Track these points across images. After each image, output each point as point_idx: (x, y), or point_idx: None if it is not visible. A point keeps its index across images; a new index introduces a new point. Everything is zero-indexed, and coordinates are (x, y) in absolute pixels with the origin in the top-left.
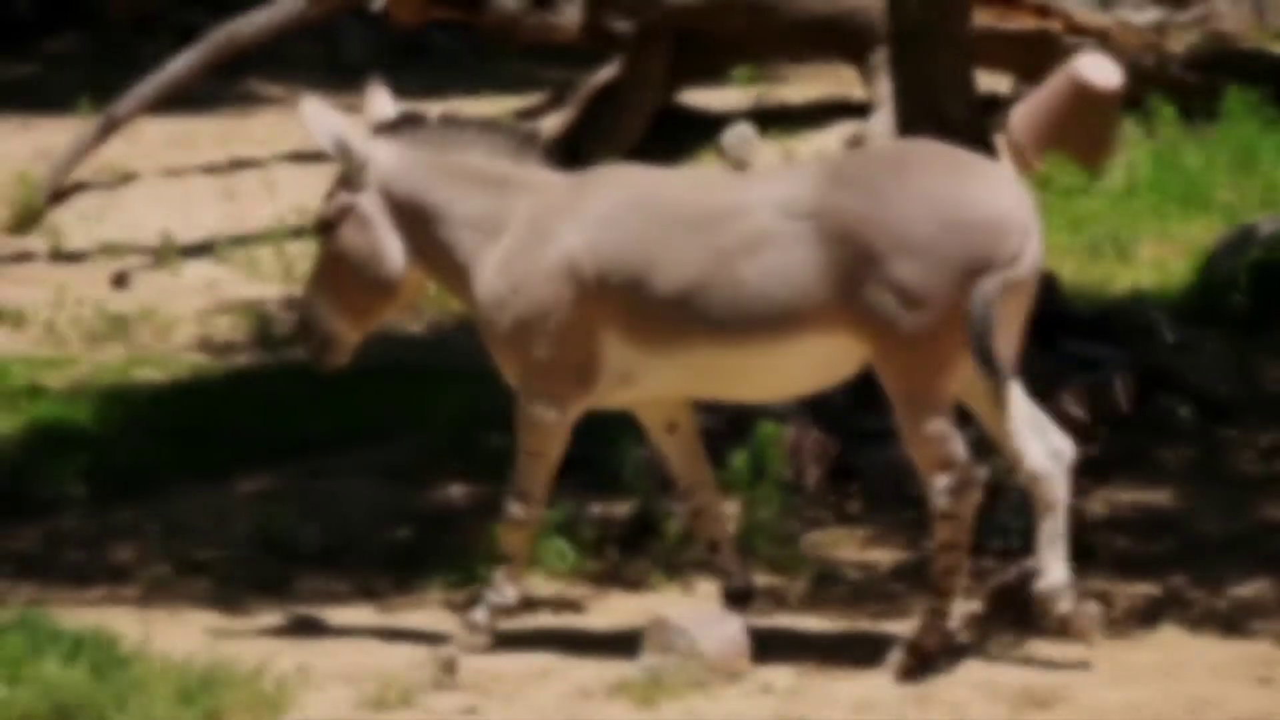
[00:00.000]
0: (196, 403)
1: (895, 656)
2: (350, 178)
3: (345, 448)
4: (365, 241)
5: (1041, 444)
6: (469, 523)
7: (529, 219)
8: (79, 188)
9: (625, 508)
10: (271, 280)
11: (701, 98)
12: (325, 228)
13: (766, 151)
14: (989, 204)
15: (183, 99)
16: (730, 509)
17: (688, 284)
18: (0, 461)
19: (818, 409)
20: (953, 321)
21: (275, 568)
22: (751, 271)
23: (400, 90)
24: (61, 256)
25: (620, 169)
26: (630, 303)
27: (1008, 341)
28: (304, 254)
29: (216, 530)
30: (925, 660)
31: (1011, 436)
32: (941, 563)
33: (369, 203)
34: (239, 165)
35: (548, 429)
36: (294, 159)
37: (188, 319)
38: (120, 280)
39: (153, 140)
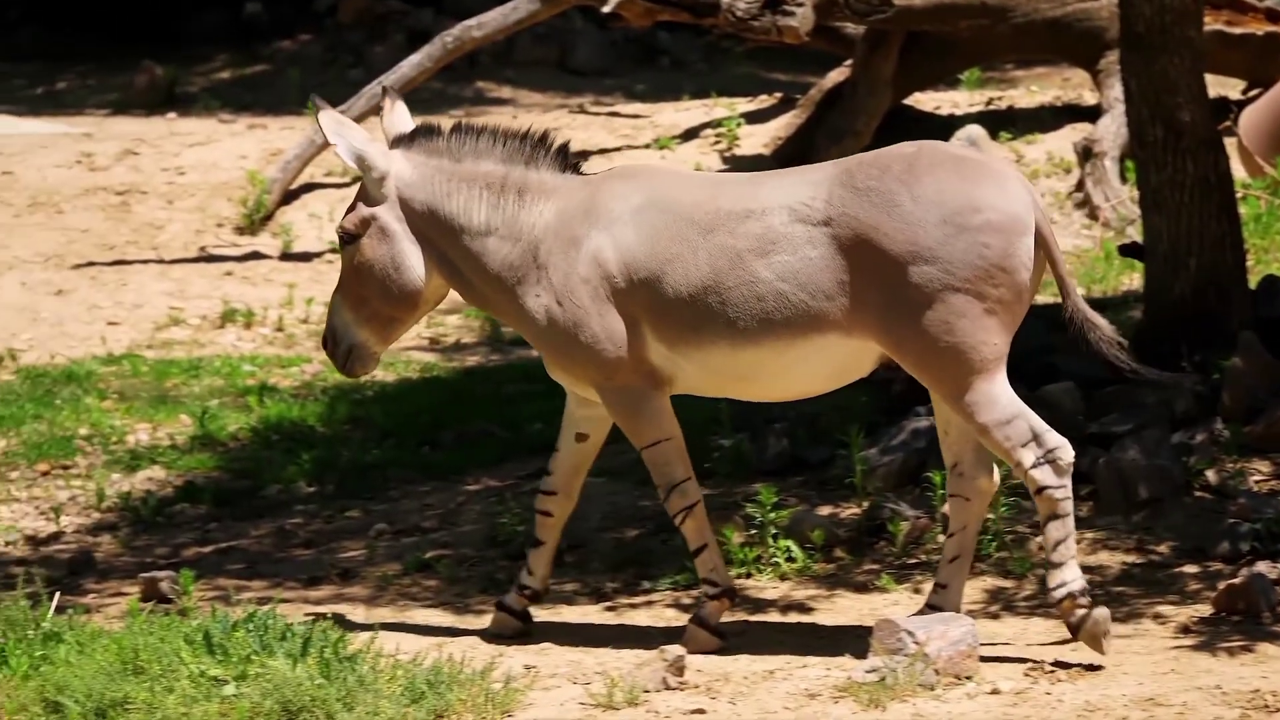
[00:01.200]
0: (425, 403)
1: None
2: (370, 190)
3: None
4: (386, 252)
5: (973, 468)
6: None
7: (555, 226)
8: (309, 188)
9: (853, 510)
10: None
11: (931, 100)
12: (347, 239)
13: (996, 154)
14: (999, 206)
15: (413, 100)
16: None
17: (703, 284)
18: (231, 460)
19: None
20: (981, 320)
21: (505, 567)
22: (766, 273)
23: (629, 93)
24: (291, 256)
25: (632, 170)
26: (653, 301)
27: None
28: None
29: (445, 529)
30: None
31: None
32: (1052, 537)
33: (389, 214)
34: None
35: (649, 417)
36: None
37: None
38: None
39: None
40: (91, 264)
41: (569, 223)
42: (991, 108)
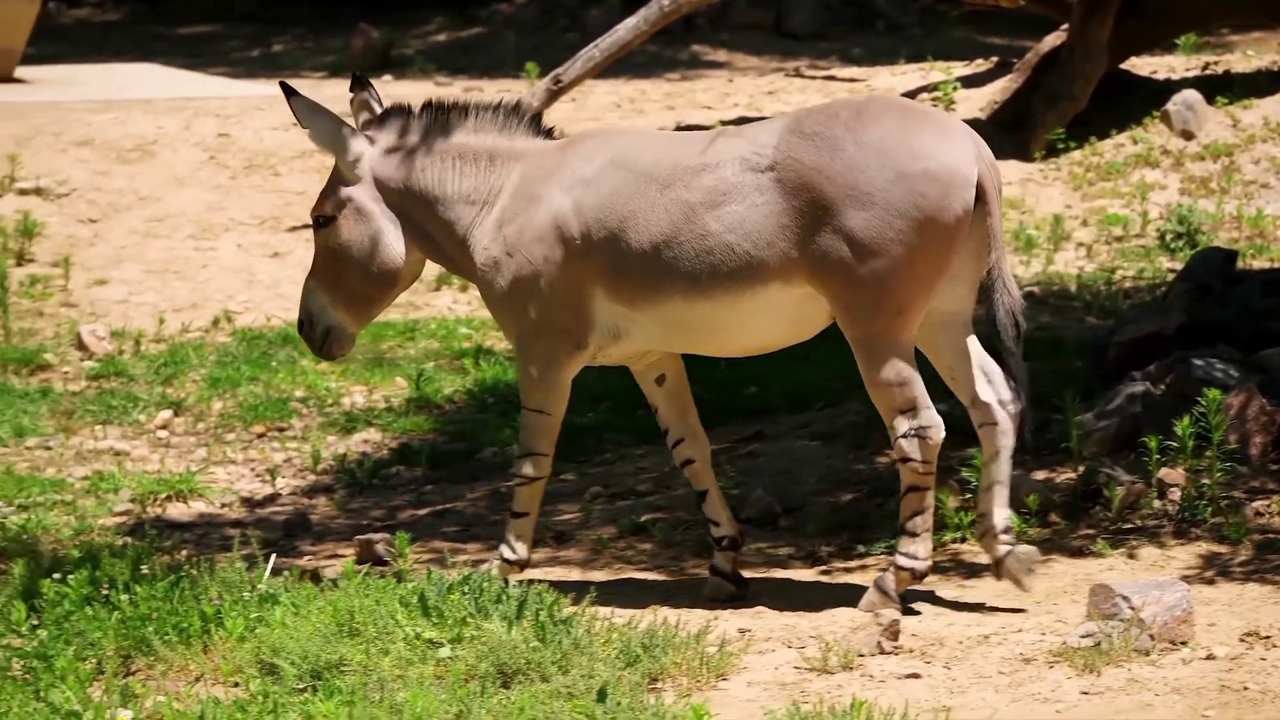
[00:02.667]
0: None
1: (866, 597)
2: (345, 172)
3: (793, 413)
4: (364, 232)
5: (991, 394)
6: None
7: (517, 184)
8: None
9: (1068, 474)
10: None
11: (1147, 65)
12: (323, 222)
13: (1213, 119)
14: (938, 157)
15: (628, 63)
16: (1176, 476)
17: (660, 239)
18: (446, 423)
19: (1266, 378)
20: (906, 268)
21: None
22: (716, 225)
23: (844, 56)
24: None
25: (603, 131)
26: (611, 259)
27: (963, 293)
28: None
29: (659, 493)
30: (889, 600)
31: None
32: (907, 508)
33: (364, 194)
34: (685, 129)
35: (548, 388)
36: (739, 123)
37: None
38: None
39: (600, 103)
40: (307, 226)
41: (532, 182)
42: (1208, 72)
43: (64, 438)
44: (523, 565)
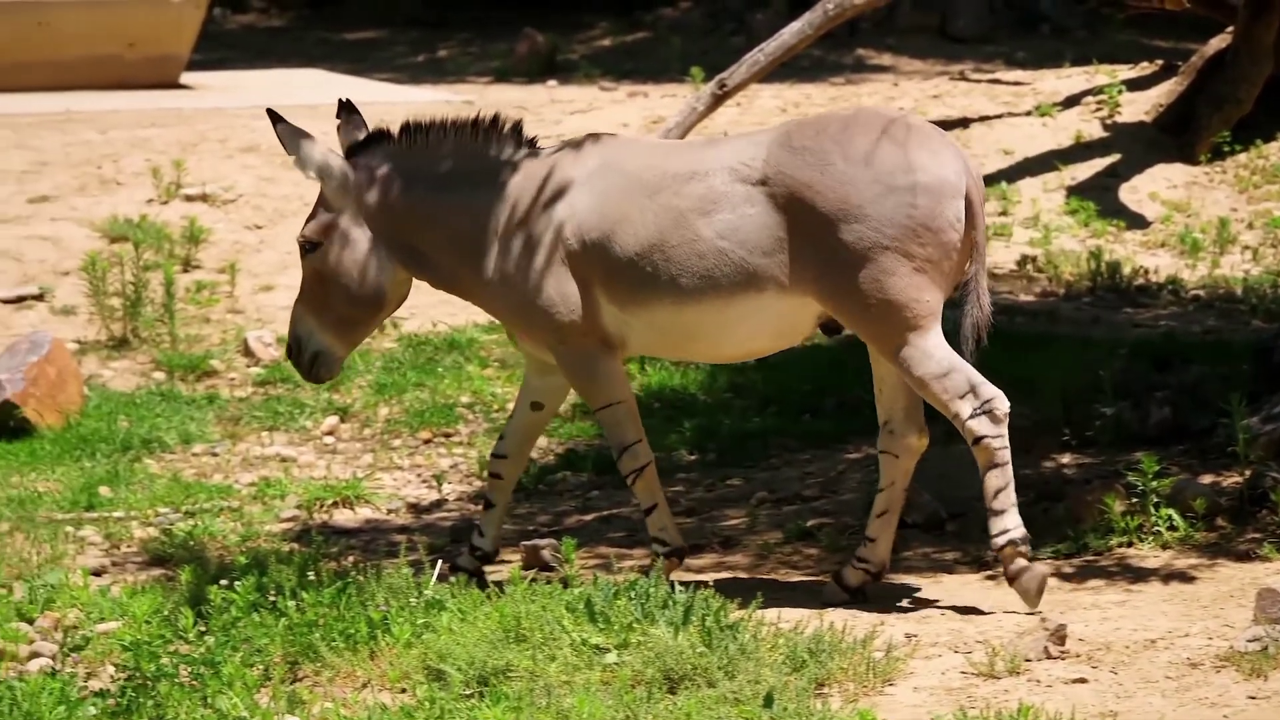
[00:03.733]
0: (806, 371)
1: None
2: (331, 198)
3: None
4: (350, 256)
5: (909, 425)
6: (1079, 492)
7: (511, 195)
8: None
9: (1235, 478)
10: None
11: None
12: (310, 248)
13: None
14: (928, 169)
15: (793, 67)
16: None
17: (649, 244)
18: None
19: None
20: (908, 279)
21: None
22: (707, 231)
23: (1009, 60)
24: None
25: (596, 138)
26: (604, 262)
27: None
28: None
29: (825, 497)
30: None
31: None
32: (991, 486)
33: (350, 220)
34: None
35: (603, 380)
36: None
37: None
38: None
39: (765, 108)
40: None
41: (527, 193)
42: None
43: (230, 444)
44: (681, 553)
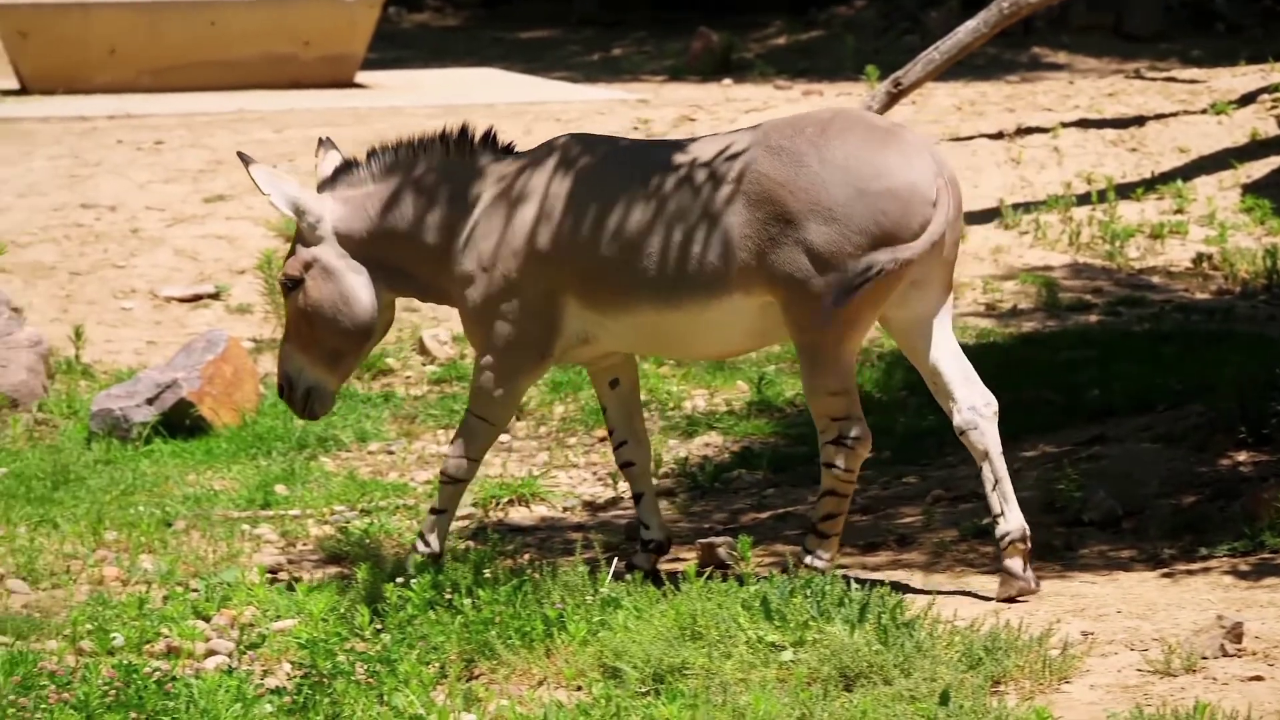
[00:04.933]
0: (982, 368)
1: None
2: (307, 235)
3: (1133, 414)
4: (333, 289)
5: (967, 397)
6: (1255, 489)
7: (486, 201)
8: None
9: None
10: (1058, 246)
11: None
12: (291, 285)
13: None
14: (902, 174)
15: (968, 65)
16: None
17: (630, 248)
18: (787, 426)
19: None
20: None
21: (1060, 533)
22: (683, 235)
23: (1184, 58)
24: None
25: (572, 139)
26: (583, 268)
27: (930, 299)
28: (1090, 220)
29: None
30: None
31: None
32: (822, 509)
33: (329, 253)
34: (1025, 131)
35: (501, 400)
36: (1080, 125)
37: (974, 284)
38: None
39: (940, 106)
40: None
41: (501, 197)
42: None
43: (406, 442)
44: (435, 559)
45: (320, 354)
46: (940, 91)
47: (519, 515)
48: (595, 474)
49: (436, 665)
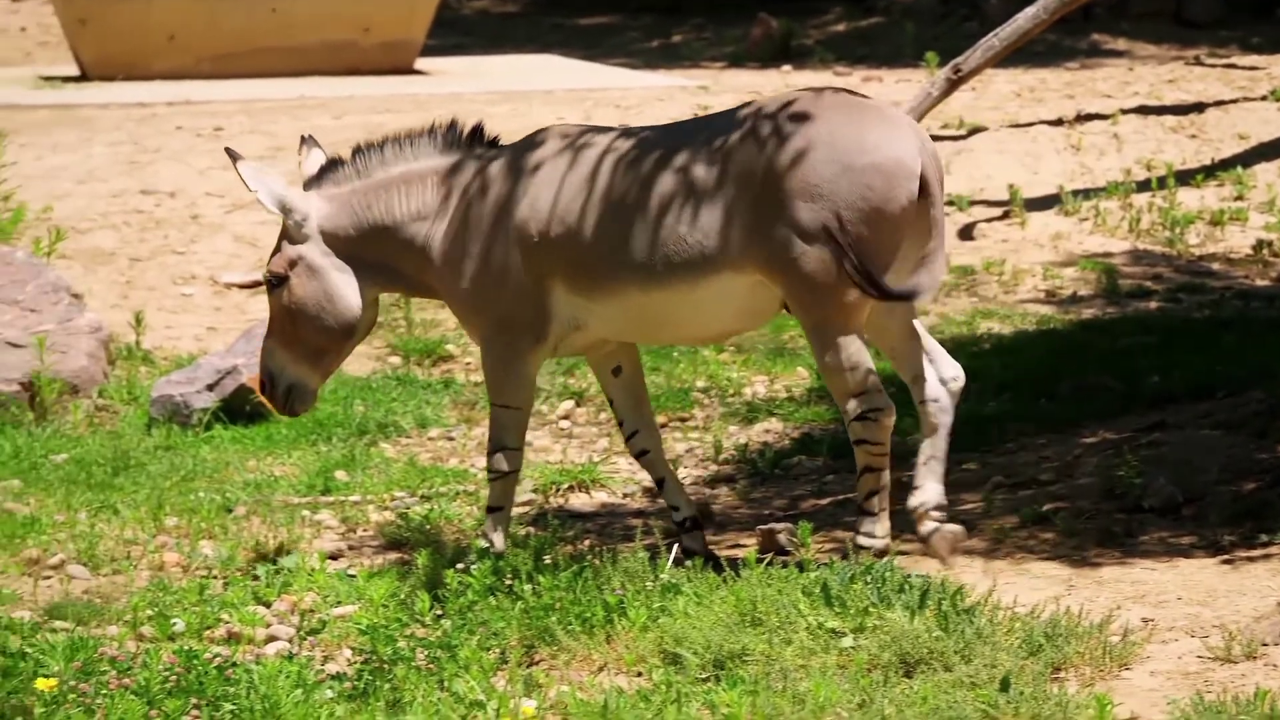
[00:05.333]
0: (1042, 355)
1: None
2: (293, 232)
3: (1193, 400)
4: (317, 287)
5: (935, 371)
6: None
7: (472, 190)
8: None
9: None
10: (1118, 233)
11: None
12: (276, 282)
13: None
14: (885, 150)
15: (1027, 52)
16: None
17: (615, 231)
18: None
19: None
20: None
21: (1121, 520)
22: (669, 217)
23: (1244, 45)
24: None
25: (554, 128)
26: (569, 253)
27: (906, 274)
28: (1150, 207)
29: (1061, 482)
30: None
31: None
32: (864, 488)
33: (314, 251)
34: (1085, 118)
35: (514, 383)
36: (1139, 112)
37: (1034, 271)
38: None
39: (1000, 92)
40: None
41: (487, 185)
42: None
43: (466, 428)
44: (500, 556)
45: (303, 351)
46: (1000, 78)
47: (579, 501)
48: None
49: (497, 651)
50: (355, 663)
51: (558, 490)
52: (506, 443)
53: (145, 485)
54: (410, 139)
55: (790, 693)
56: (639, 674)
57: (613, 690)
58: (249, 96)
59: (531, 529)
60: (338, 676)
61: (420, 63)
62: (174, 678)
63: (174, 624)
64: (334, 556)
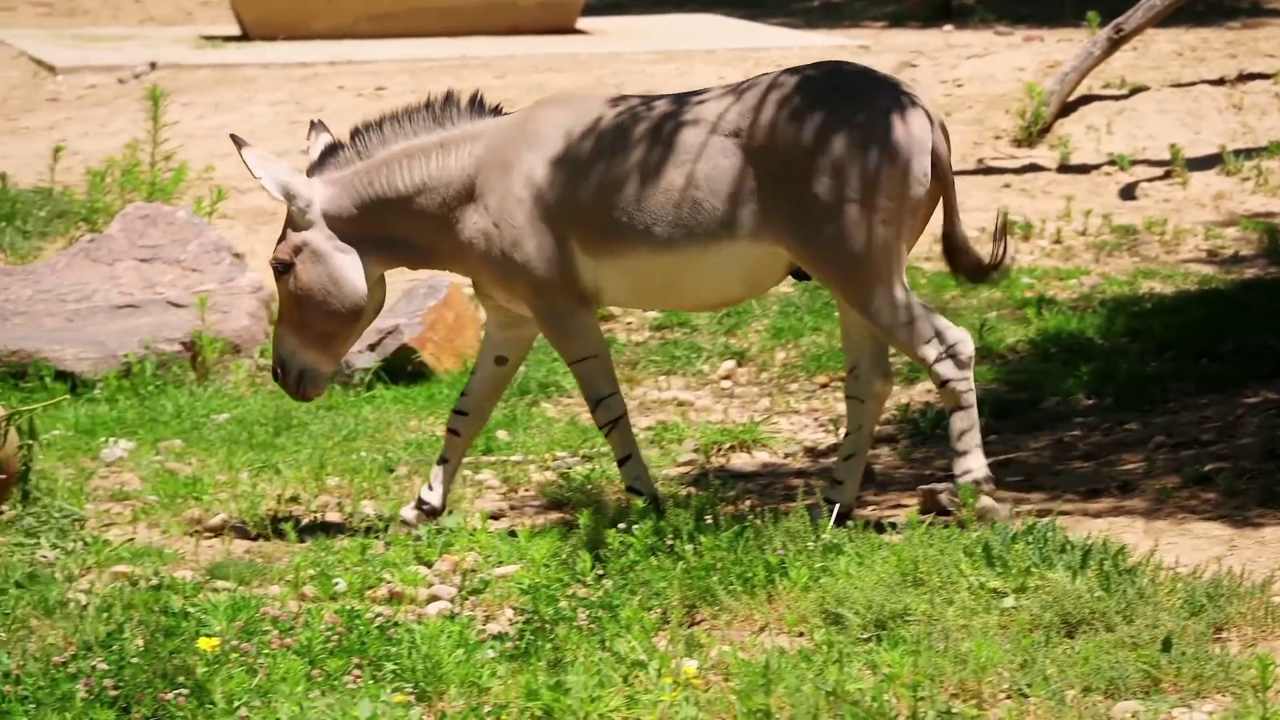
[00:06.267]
0: (1203, 315)
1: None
2: (297, 219)
3: None
4: (323, 271)
5: (872, 372)
6: None
7: (485, 158)
8: (1086, 100)
9: None
10: (1279, 193)
11: None
12: (282, 269)
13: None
14: (899, 126)
15: (1189, 11)
16: None
17: (625, 196)
18: (1009, 372)
19: None
20: (875, 231)
21: None
22: (680, 182)
23: None
24: (1069, 169)
25: (565, 94)
26: (582, 216)
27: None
28: None
29: (1223, 442)
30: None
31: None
32: (956, 427)
33: (318, 236)
34: (1247, 77)
35: (579, 334)
36: None
37: (1195, 231)
38: None
39: (1161, 52)
40: None
41: (501, 151)
42: None
43: (628, 388)
44: (657, 500)
45: (312, 336)
46: (1161, 37)
47: (740, 461)
48: (816, 420)
49: (658, 611)
50: (517, 622)
51: (719, 450)
52: (602, 392)
53: (307, 445)
54: (409, 114)
55: (952, 653)
56: (800, 634)
57: (774, 650)
58: (410, 56)
59: (693, 489)
60: (499, 636)
61: (582, 22)
62: (336, 637)
63: (336, 583)
64: (495, 516)
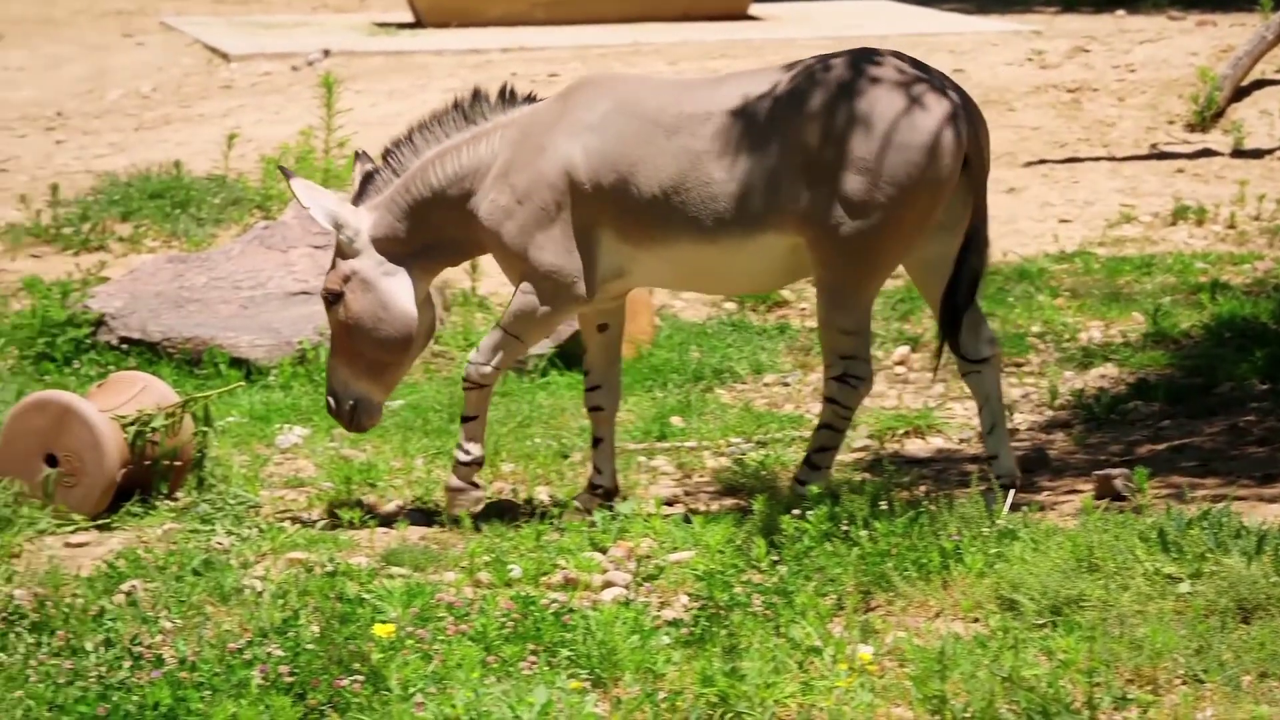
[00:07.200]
0: None
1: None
2: (344, 248)
3: None
4: (373, 299)
5: (974, 339)
6: None
7: (518, 139)
8: (1259, 84)
9: None
10: None
11: None
12: (332, 299)
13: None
14: (931, 128)
15: None
16: None
17: (668, 185)
18: (1183, 357)
19: None
20: (890, 229)
21: None
22: (721, 173)
23: None
24: (1243, 153)
25: (603, 78)
26: (620, 203)
27: (954, 240)
28: None
29: None
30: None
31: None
32: (817, 441)
33: (366, 264)
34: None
35: (535, 323)
36: None
37: None
38: None
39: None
40: (1043, 161)
41: (535, 135)
42: None
43: (802, 374)
44: (479, 464)
45: (363, 366)
46: None
47: (915, 447)
48: None
49: (833, 597)
50: (692, 609)
51: (893, 435)
52: (497, 362)
53: None
54: (437, 119)
55: (1127, 638)
56: (975, 620)
57: (949, 636)
58: (582, 43)
59: (867, 475)
60: (674, 622)
61: (755, 9)
62: (511, 623)
63: (511, 570)
64: (670, 502)
